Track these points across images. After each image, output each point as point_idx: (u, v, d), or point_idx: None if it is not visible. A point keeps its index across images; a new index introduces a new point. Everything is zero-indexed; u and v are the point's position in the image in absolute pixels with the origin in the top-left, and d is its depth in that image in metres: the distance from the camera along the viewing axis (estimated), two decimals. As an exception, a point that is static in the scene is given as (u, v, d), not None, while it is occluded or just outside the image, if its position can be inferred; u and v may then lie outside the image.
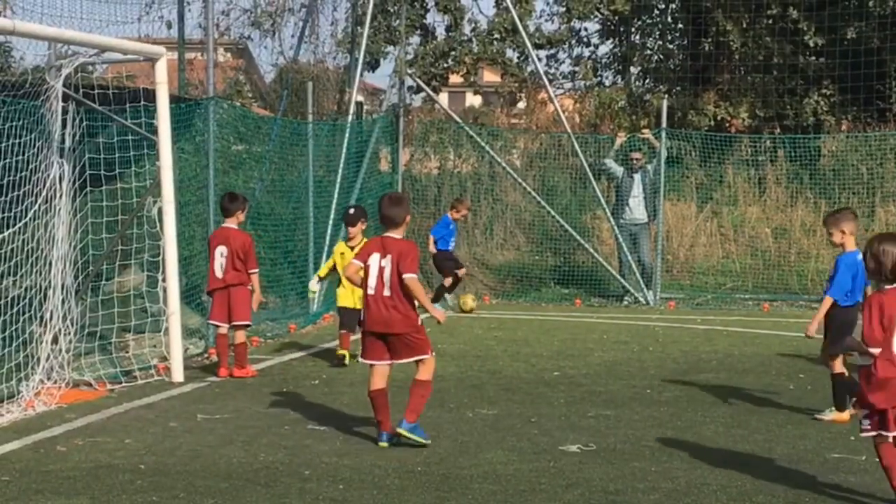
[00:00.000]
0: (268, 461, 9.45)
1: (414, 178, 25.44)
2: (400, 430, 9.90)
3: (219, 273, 14.01)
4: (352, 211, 15.33)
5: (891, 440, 8.09)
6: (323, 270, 15.61)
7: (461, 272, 20.71)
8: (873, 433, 8.11)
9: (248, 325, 14.19)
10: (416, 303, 9.98)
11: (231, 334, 14.04)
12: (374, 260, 9.93)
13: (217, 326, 14.17)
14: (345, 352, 14.70)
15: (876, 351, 8.06)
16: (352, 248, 14.26)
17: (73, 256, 13.31)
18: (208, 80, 16.28)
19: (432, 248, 20.60)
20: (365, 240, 13.42)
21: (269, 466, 9.27)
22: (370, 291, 9.92)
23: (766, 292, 23.00)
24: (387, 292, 9.86)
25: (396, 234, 10.05)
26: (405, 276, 9.82)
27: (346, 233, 15.39)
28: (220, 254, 13.99)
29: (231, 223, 14.22)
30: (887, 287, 8.22)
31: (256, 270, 14.38)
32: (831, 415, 11.36)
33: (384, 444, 9.93)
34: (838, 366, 11.26)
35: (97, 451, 9.80)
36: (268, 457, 9.61)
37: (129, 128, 14.42)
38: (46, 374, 12.26)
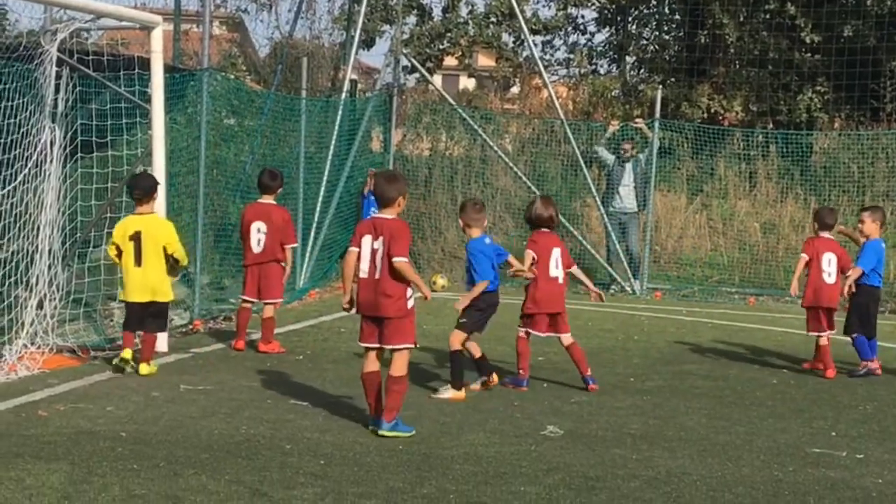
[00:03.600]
0: (249, 434, 9.43)
1: (405, 158, 25.39)
2: (381, 433, 9.59)
3: (256, 248, 13.93)
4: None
5: (525, 335, 12.36)
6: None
7: None
8: (523, 331, 12.38)
9: (277, 302, 14.19)
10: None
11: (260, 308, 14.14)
12: (367, 242, 9.62)
13: (244, 300, 14.12)
14: (126, 356, 12.10)
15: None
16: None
17: (62, 222, 13.26)
18: (203, 51, 16.22)
19: None
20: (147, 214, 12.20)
21: (250, 439, 9.25)
22: (362, 275, 9.63)
23: (753, 286, 23.01)
24: (377, 275, 9.57)
25: (388, 214, 9.73)
26: (395, 259, 9.50)
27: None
28: (258, 229, 13.88)
29: (269, 199, 14.11)
30: (544, 230, 12.39)
31: (294, 245, 14.54)
32: (447, 393, 11.55)
33: (374, 429, 9.71)
34: (456, 344, 11.76)
35: (79, 417, 9.78)
36: (249, 430, 9.59)
37: (122, 95, 14.37)
38: (30, 338, 12.22)
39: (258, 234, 13.87)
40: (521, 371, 12.35)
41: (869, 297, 14.00)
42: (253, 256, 13.96)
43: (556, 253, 12.34)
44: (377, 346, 9.73)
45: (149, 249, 11.98)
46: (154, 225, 12.11)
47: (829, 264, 13.81)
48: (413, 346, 9.80)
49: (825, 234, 14.02)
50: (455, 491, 8.01)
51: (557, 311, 12.33)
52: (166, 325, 12.74)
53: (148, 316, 12.15)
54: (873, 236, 13.97)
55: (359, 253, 9.65)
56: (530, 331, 12.39)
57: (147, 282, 12.05)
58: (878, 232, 14.02)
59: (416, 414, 10.28)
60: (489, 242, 12.10)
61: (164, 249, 12.08)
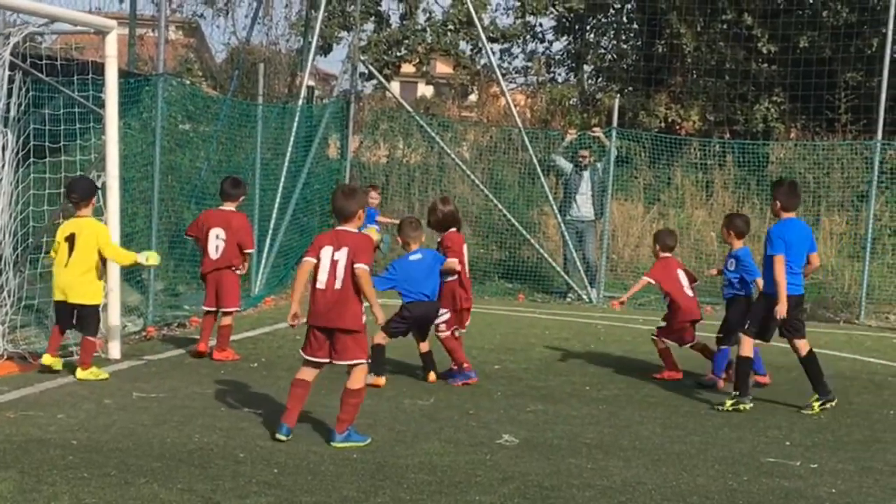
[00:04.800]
0: (202, 442, 9.36)
1: (362, 165, 25.36)
2: (335, 445, 9.49)
3: (214, 255, 13.86)
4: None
5: (451, 334, 12.83)
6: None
7: None
8: (447, 332, 12.80)
9: (235, 311, 14.09)
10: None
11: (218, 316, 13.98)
12: (326, 253, 9.50)
13: (207, 311, 14.01)
14: (55, 359, 12.21)
15: None
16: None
17: (13, 228, 13.13)
18: (158, 56, 16.10)
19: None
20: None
21: (203, 448, 9.18)
22: (320, 286, 9.49)
23: (710, 295, 22.97)
24: (338, 285, 9.43)
25: (351, 228, 9.64)
26: (357, 265, 9.40)
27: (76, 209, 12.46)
28: (216, 236, 13.81)
29: (231, 206, 14.08)
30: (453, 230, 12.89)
31: (251, 251, 14.48)
32: (372, 379, 11.78)
33: (282, 438, 9.56)
34: (377, 339, 12.42)
35: (29, 424, 9.68)
36: (202, 438, 9.51)
37: (75, 100, 14.24)
38: (-20, 345, 12.11)
39: (216, 241, 13.80)
40: (464, 365, 12.89)
41: (747, 305, 13.19)
42: (211, 263, 13.87)
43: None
44: (327, 361, 9.62)
45: (79, 251, 12.07)
46: (87, 227, 12.16)
47: (683, 279, 14.11)
48: (367, 359, 9.74)
49: (666, 255, 14.33)
50: (409, 500, 7.98)
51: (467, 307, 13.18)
52: (96, 330, 12.48)
53: (78, 319, 12.18)
54: (735, 246, 13.53)
55: (317, 264, 9.54)
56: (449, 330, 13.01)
57: (67, 282, 12.09)
58: (737, 242, 13.50)
59: (371, 422, 10.25)
60: (416, 259, 12.72)
61: (99, 253, 12.14)
